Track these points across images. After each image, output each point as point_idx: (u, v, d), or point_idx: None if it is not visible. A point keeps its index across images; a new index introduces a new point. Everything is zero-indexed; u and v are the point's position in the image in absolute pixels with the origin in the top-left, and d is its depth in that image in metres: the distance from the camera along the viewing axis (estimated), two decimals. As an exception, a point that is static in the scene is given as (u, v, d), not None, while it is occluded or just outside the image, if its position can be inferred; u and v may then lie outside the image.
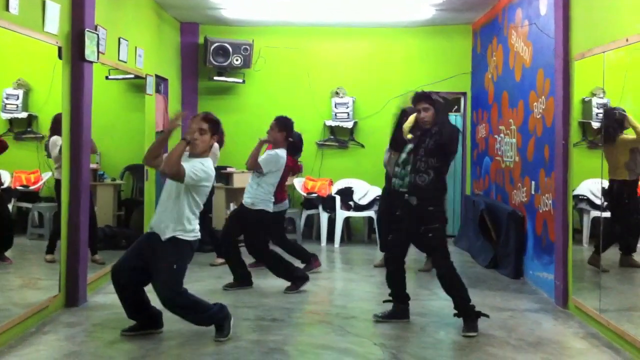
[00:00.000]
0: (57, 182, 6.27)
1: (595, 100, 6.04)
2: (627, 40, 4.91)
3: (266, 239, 7.03)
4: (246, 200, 6.73)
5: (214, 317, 5.07)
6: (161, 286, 4.84)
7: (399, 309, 5.66)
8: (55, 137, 6.14)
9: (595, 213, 6.17)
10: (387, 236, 6.18)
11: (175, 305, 4.90)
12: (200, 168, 4.88)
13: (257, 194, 6.66)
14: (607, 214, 5.80)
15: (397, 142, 6.42)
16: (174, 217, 4.88)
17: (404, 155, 6.65)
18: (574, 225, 6.14)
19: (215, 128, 5.05)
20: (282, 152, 6.74)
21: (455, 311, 5.39)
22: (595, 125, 6.09)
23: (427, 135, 5.44)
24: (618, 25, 5.17)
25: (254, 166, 6.64)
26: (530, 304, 6.32)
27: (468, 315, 5.32)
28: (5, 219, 6.19)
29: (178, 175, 4.76)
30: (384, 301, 5.78)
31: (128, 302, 5.06)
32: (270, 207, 6.72)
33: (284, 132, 6.79)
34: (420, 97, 5.51)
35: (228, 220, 7.33)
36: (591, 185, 6.21)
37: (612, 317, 5.19)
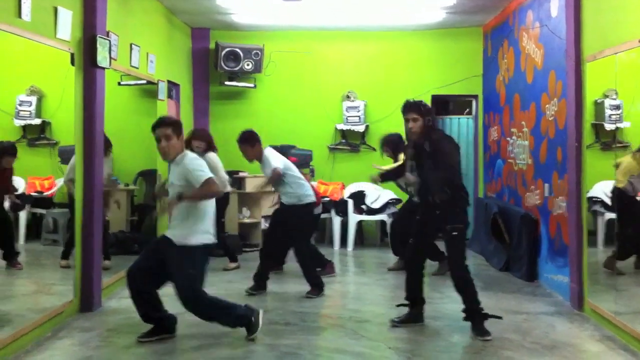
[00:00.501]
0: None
1: (607, 102, 6.01)
2: (639, 41, 4.88)
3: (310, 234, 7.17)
4: (290, 201, 6.72)
5: (239, 319, 5.11)
6: (179, 290, 4.93)
7: (413, 312, 5.65)
8: None
9: (609, 215, 6.14)
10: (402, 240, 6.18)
11: (194, 306, 4.98)
12: (195, 164, 4.93)
13: (296, 192, 6.70)
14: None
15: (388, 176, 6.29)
16: (182, 220, 4.93)
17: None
18: (588, 227, 6.11)
19: (178, 128, 5.10)
20: (270, 150, 6.84)
21: (464, 314, 5.38)
22: (609, 127, 6.07)
23: (422, 154, 5.32)
24: (629, 26, 5.14)
25: (275, 177, 6.63)
26: (545, 306, 6.29)
27: (473, 318, 5.31)
28: (8, 227, 6.22)
29: (216, 193, 5.02)
30: (397, 305, 5.77)
31: (141, 305, 5.09)
32: (313, 198, 6.80)
33: (257, 143, 6.78)
34: (410, 107, 5.39)
35: (274, 230, 7.02)
36: (605, 187, 6.17)
37: (628, 320, 5.15)
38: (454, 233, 5.32)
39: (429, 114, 5.37)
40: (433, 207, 5.35)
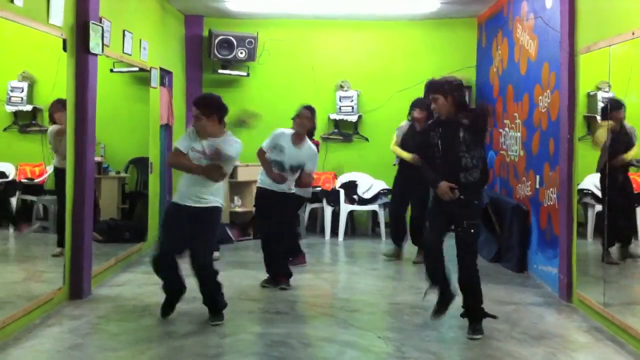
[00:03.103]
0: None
1: (600, 94, 6.02)
2: (633, 33, 4.89)
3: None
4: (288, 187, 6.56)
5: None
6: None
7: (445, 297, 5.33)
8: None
9: (600, 207, 6.16)
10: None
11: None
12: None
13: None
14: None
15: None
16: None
17: None
18: (578, 219, 6.13)
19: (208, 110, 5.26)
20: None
21: (463, 310, 5.20)
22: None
23: (453, 128, 5.00)
24: (624, 18, 5.14)
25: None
26: (534, 297, 6.32)
27: (476, 318, 5.15)
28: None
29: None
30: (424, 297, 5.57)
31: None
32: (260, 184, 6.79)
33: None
34: (429, 88, 5.21)
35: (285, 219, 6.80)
36: (596, 180, 6.19)
37: (616, 311, 5.18)
38: (472, 230, 5.05)
39: (455, 91, 5.07)
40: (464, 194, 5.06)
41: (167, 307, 5.38)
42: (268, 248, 6.56)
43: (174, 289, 5.37)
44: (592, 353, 4.79)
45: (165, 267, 5.25)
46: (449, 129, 5.07)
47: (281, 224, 6.58)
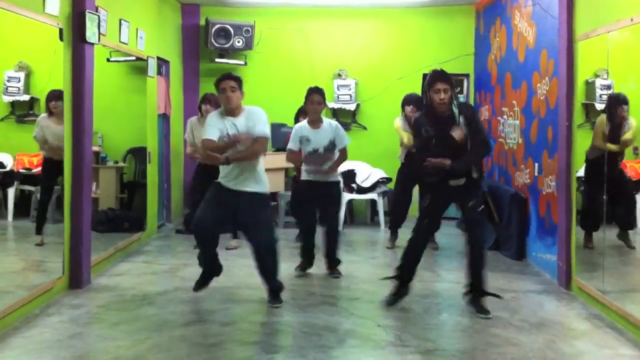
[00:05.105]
0: None
1: (599, 82, 6.01)
2: (631, 20, 4.87)
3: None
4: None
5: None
6: (266, 236, 5.52)
7: (404, 290, 5.66)
8: None
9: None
10: None
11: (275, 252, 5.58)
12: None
13: None
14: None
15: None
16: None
17: None
18: (577, 206, 6.13)
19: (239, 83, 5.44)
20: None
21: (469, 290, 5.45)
22: (599, 106, 6.07)
23: (448, 119, 5.29)
24: (623, 5, 5.12)
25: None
26: (533, 285, 6.33)
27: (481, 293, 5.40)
28: None
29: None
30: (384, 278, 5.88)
31: (211, 253, 5.58)
32: None
33: None
34: (442, 76, 5.35)
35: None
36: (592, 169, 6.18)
37: (615, 298, 5.19)
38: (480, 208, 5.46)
39: (454, 85, 5.40)
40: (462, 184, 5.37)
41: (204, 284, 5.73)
42: (312, 237, 6.73)
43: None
44: (592, 340, 4.80)
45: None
46: (446, 120, 5.29)
47: (335, 213, 6.81)
